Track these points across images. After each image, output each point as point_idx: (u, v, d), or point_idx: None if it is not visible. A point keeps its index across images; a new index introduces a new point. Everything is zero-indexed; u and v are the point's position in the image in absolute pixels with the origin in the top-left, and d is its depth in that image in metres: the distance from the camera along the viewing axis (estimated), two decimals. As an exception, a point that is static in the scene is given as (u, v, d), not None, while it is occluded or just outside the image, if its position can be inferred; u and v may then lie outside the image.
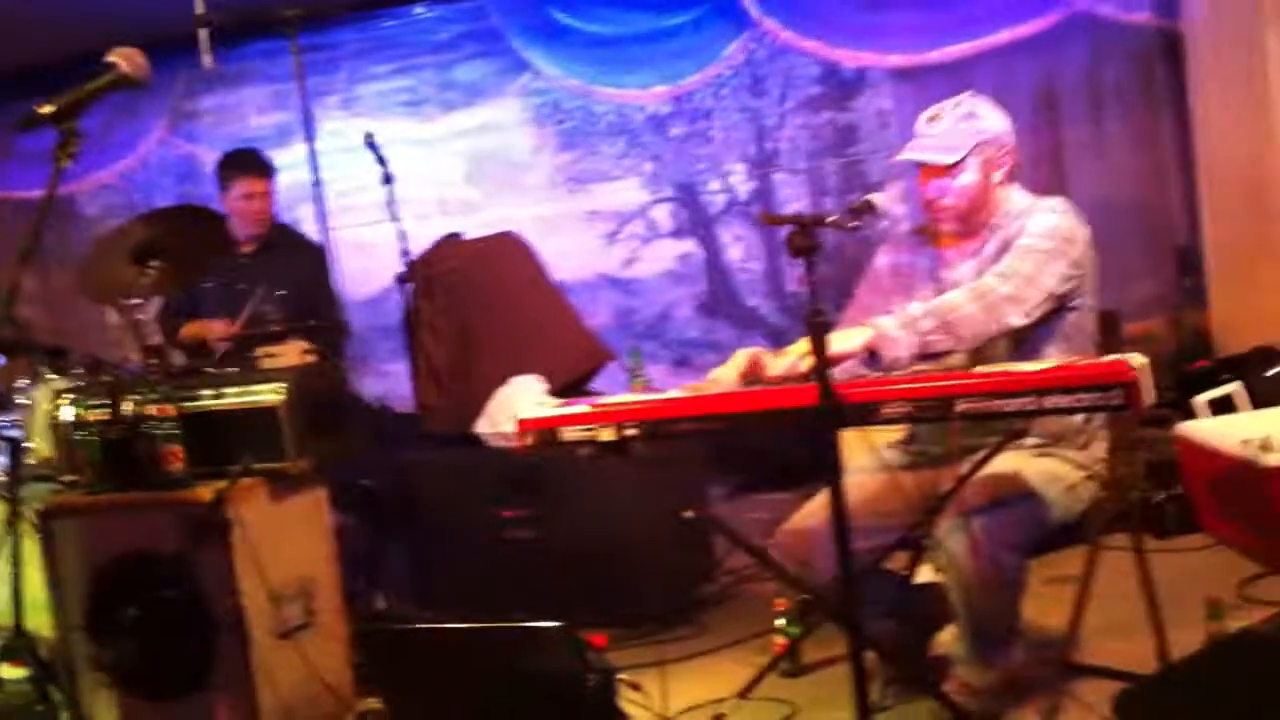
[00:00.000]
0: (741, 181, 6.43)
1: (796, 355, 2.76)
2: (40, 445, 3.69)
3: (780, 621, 3.62)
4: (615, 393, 3.72)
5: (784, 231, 2.57)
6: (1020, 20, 5.76)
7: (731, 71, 6.34)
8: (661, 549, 4.20)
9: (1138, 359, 2.50)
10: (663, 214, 6.57)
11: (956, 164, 3.02)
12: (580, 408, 2.92)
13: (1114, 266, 5.79)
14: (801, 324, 2.53)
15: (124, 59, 2.41)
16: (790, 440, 4.45)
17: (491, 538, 4.24)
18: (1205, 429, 4.28)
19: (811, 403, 2.53)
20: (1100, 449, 3.08)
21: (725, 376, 2.83)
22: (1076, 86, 5.84)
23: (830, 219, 2.70)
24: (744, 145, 6.40)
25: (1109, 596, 3.43)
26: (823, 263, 2.62)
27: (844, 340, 2.79)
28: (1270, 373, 4.54)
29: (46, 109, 2.16)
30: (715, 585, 4.46)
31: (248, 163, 4.82)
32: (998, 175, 3.08)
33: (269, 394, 3.37)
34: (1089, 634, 3.51)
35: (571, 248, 6.67)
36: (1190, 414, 4.46)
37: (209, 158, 6.94)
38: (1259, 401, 4.43)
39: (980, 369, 2.69)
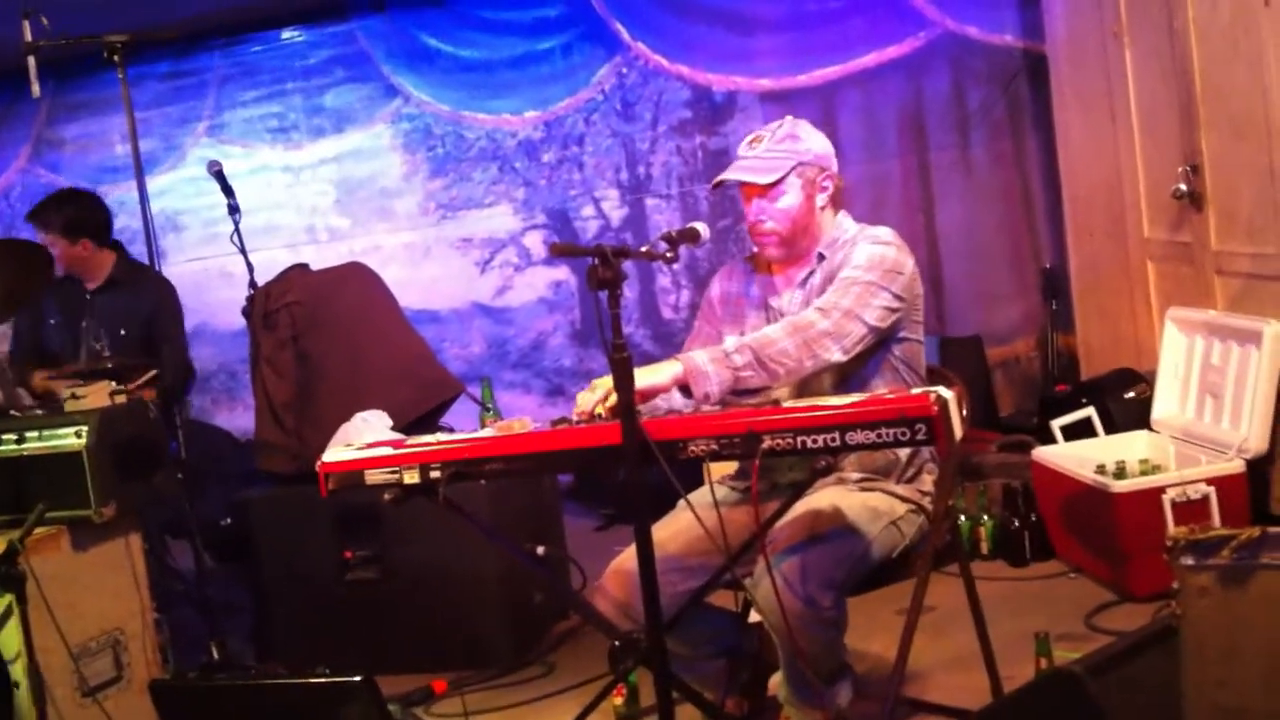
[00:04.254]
0: (614, 207, 6.34)
1: (603, 390, 2.66)
2: None
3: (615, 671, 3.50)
4: (468, 428, 3.60)
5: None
6: (887, 43, 5.74)
7: (602, 96, 6.26)
8: (511, 587, 4.08)
9: (945, 393, 2.43)
10: (535, 241, 6.46)
11: (776, 184, 2.95)
12: (383, 450, 2.80)
13: (982, 289, 5.86)
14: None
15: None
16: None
17: (335, 578, 4.10)
18: (1058, 454, 4.24)
19: (615, 441, 2.44)
20: (929, 481, 3.01)
21: (586, 402, 2.71)
22: (944, 109, 5.81)
23: (643, 249, 2.62)
24: (616, 170, 6.32)
25: (954, 629, 3.37)
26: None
27: (653, 374, 2.69)
28: (1128, 395, 4.51)
29: None
30: (569, 623, 4.35)
31: (39, 217, 4.67)
32: (821, 199, 3.01)
33: (72, 437, 3.22)
34: (930, 668, 3.45)
35: (444, 275, 6.55)
36: (1052, 439, 4.43)
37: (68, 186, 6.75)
38: (1117, 425, 4.40)
39: (790, 403, 2.61)
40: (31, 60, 4.17)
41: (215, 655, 3.87)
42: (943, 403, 2.38)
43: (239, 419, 6.43)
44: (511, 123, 6.40)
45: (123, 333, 4.64)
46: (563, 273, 6.45)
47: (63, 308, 4.80)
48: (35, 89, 4.20)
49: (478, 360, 6.50)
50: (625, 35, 6.07)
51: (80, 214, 4.69)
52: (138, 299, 4.70)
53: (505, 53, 6.32)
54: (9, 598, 3.00)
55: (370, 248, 6.52)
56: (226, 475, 5.15)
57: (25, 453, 3.26)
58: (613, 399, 2.61)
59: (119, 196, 6.43)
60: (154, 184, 6.85)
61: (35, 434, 3.25)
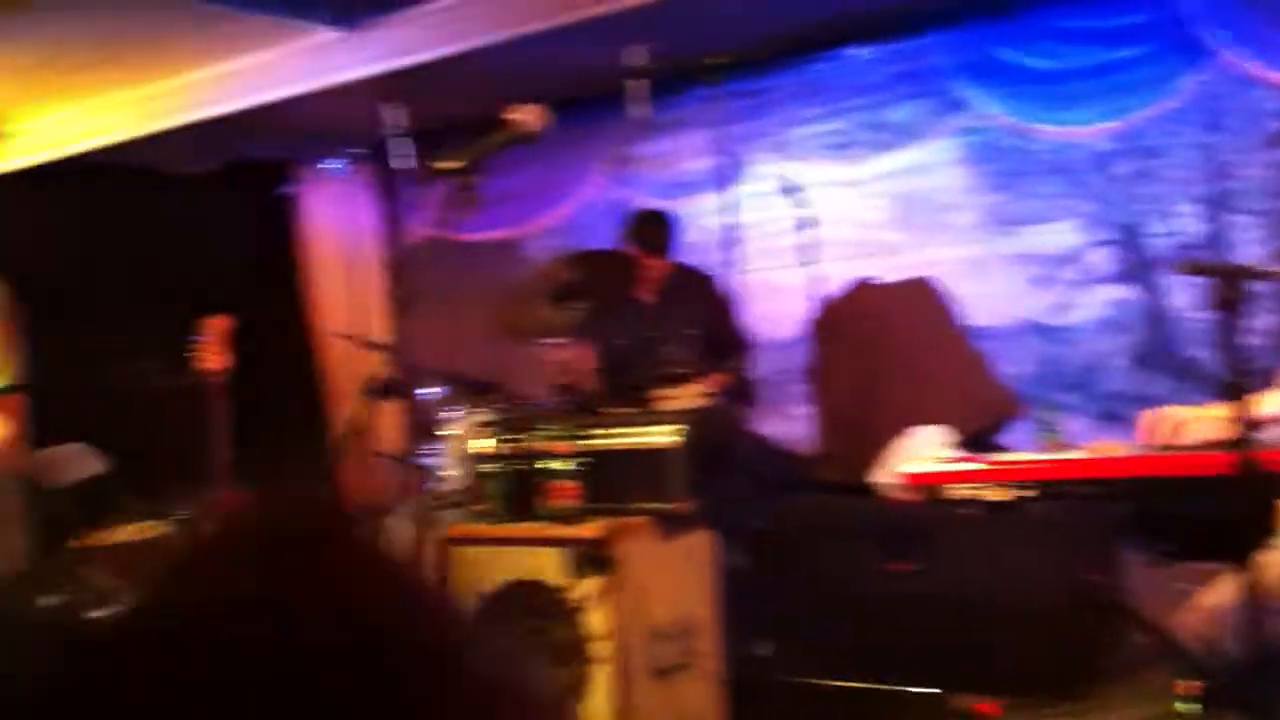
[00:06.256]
0: (1191, 223, 5.91)
1: (1216, 417, 2.46)
2: (456, 474, 3.91)
3: (1180, 706, 3.24)
4: (1026, 448, 3.48)
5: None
6: None
7: (1184, 106, 5.85)
8: (1059, 615, 3.89)
9: None
10: (1100, 258, 6.14)
11: None
12: (971, 464, 2.74)
13: None
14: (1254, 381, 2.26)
15: (522, 113, 2.47)
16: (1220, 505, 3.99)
17: (874, 590, 4.08)
18: None
19: (1228, 471, 2.25)
20: None
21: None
22: None
23: (1268, 270, 2.41)
24: (1195, 184, 5.88)
25: None
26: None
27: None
28: None
29: (448, 164, 2.23)
30: (1117, 658, 4.07)
31: (625, 231, 4.95)
32: None
33: (663, 435, 3.41)
34: None
35: (997, 291, 6.36)
36: None
37: (644, 203, 7.21)
38: None
39: None
40: (636, 84, 4.45)
41: (764, 653, 3.95)
42: None
43: (781, 427, 6.58)
44: (1081, 134, 6.11)
45: (691, 334, 4.88)
46: (1128, 291, 6.09)
47: (631, 316, 5.12)
48: (642, 110, 4.48)
49: (1026, 380, 6.24)
50: (1213, 43, 5.64)
51: (659, 229, 4.99)
52: (699, 305, 4.93)
53: (1079, 62, 6.05)
54: (599, 580, 3.21)
55: (922, 262, 6.45)
56: (765, 480, 5.29)
57: (618, 446, 3.48)
58: (1192, 428, 2.42)
59: (687, 211, 6.77)
60: (717, 199, 7.19)
61: (630, 430, 3.47)
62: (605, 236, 7.55)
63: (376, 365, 7.74)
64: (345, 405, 8.56)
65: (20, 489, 2.82)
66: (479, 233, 8.07)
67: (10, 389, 2.63)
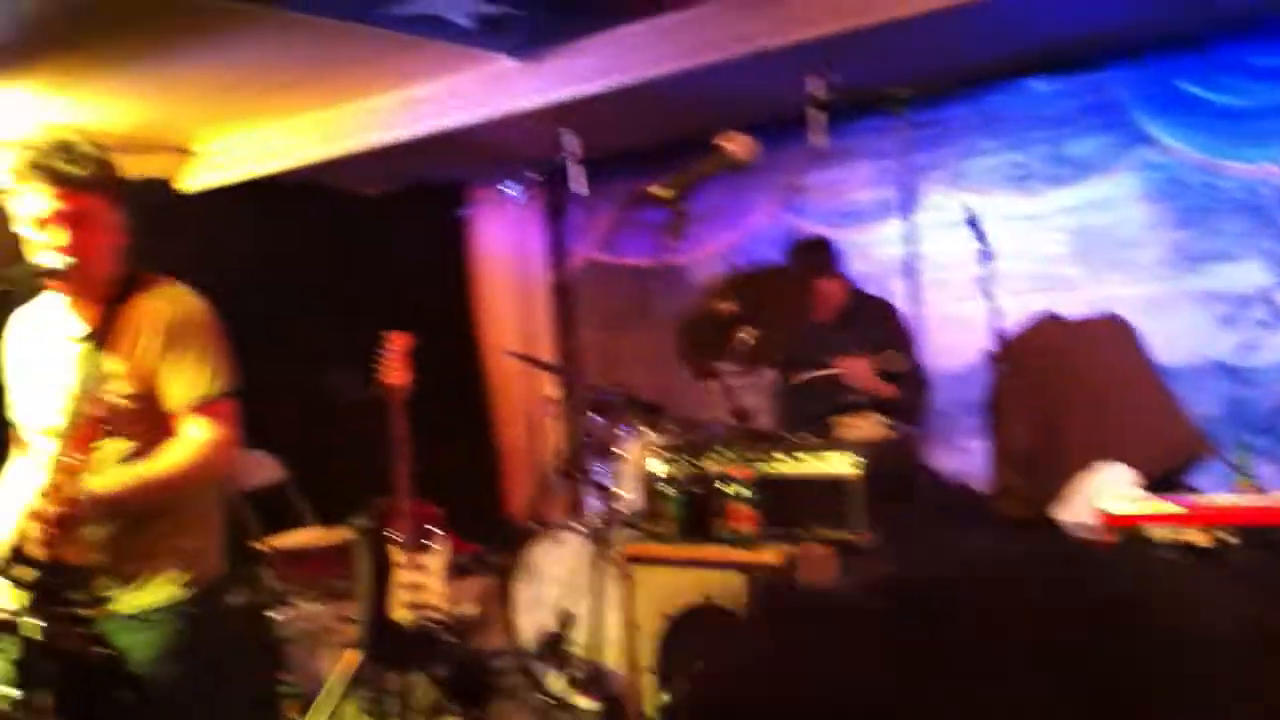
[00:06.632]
0: (1385, 265, 5.66)
1: None
2: (629, 494, 3.94)
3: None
4: (1217, 491, 3.36)
5: None
6: None
7: (1379, 144, 5.62)
8: (1249, 673, 3.72)
9: None
10: (1289, 297, 5.91)
11: None
12: (1171, 506, 2.66)
13: None
14: None
15: (732, 143, 2.49)
16: None
17: (1061, 636, 3.96)
18: None
19: None
20: None
21: None
22: None
23: None
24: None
25: None
26: None
27: None
28: None
29: (662, 191, 2.25)
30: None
31: (795, 257, 4.94)
32: None
33: (843, 465, 3.38)
34: None
35: (1179, 330, 6.16)
36: None
37: (812, 232, 7.19)
38: None
39: None
40: (817, 114, 4.45)
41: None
42: None
43: (952, 461, 6.47)
44: (1272, 173, 5.92)
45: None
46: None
47: (809, 337, 5.10)
48: (821, 140, 4.47)
49: (1209, 422, 6.03)
50: None
51: (826, 253, 4.98)
52: (871, 329, 4.90)
53: (1270, 100, 5.86)
54: (778, 607, 3.20)
55: (1101, 299, 6.29)
56: (942, 514, 5.21)
57: (797, 474, 3.47)
58: None
59: (856, 240, 6.73)
60: (888, 230, 7.13)
61: (809, 457, 3.45)
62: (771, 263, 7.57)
63: (546, 384, 7.92)
64: (514, 423, 8.71)
65: (224, 493, 2.92)
66: (645, 258, 8.15)
67: (225, 395, 2.73)
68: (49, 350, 2.75)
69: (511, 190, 6.05)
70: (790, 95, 5.65)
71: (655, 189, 2.19)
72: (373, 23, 5.42)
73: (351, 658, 4.36)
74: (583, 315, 8.72)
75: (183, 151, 7.51)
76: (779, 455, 3.52)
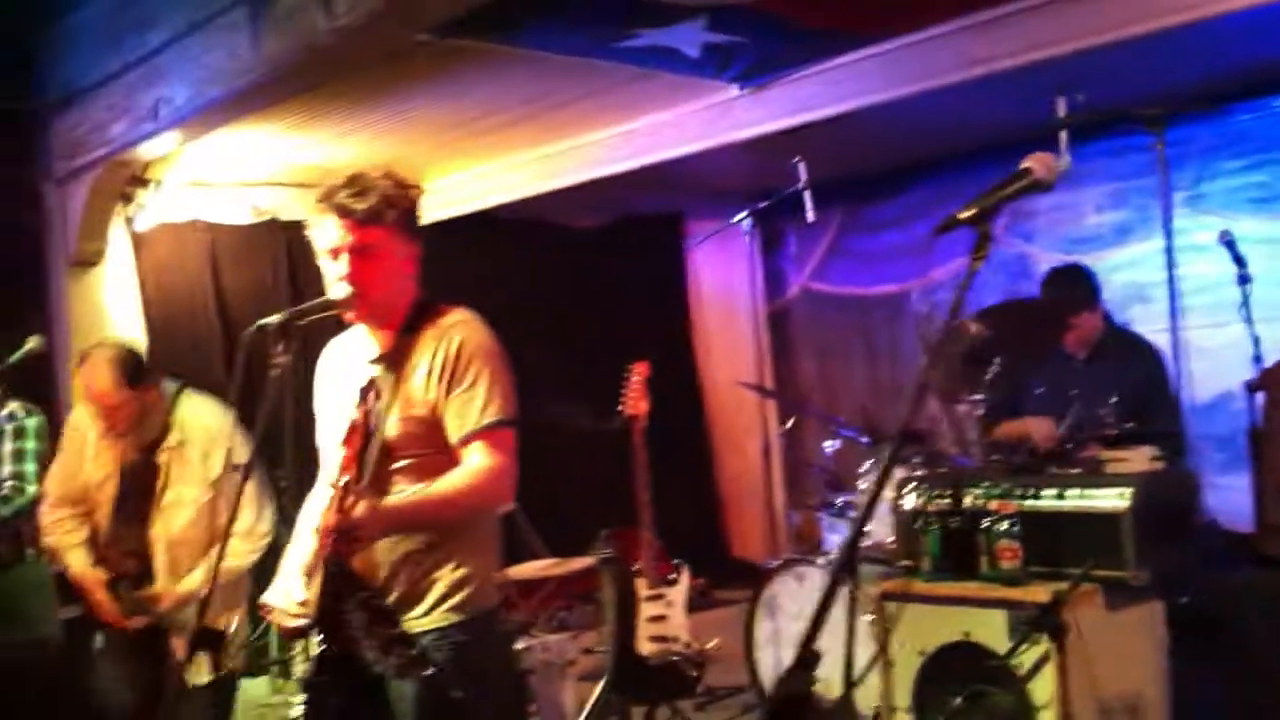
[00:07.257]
0: None
1: None
2: (878, 529, 3.86)
3: None
4: None
5: None
6: None
7: None
8: None
9: None
10: None
11: None
12: None
13: None
14: None
15: (1038, 163, 2.41)
16: None
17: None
18: None
19: None
20: None
21: None
22: None
23: None
24: None
25: None
26: None
27: None
28: None
29: (966, 213, 2.19)
30: None
31: (1053, 288, 4.75)
32: None
33: (1114, 499, 3.24)
34: None
35: None
36: None
37: (1042, 258, 6.97)
38: None
39: None
40: (1064, 134, 4.32)
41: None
42: None
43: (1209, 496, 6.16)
44: None
45: (1114, 400, 4.64)
46: None
47: (1050, 376, 4.91)
48: (1066, 161, 4.34)
49: None
50: None
51: (1083, 284, 4.80)
52: (1126, 366, 4.69)
53: None
54: (1048, 644, 3.07)
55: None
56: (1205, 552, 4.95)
57: (1065, 509, 3.34)
58: None
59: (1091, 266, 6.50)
60: (1124, 255, 6.88)
61: (1077, 492, 3.32)
62: (997, 291, 7.36)
63: (770, 415, 7.86)
64: (735, 454, 8.69)
65: (500, 519, 2.96)
66: (864, 287, 8.05)
67: (505, 423, 2.77)
68: (349, 376, 2.84)
69: (737, 221, 6.02)
70: (1016, 118, 5.51)
71: (959, 213, 2.12)
72: (602, 57, 5.47)
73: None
74: (799, 345, 8.65)
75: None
76: (1044, 488, 3.39)
